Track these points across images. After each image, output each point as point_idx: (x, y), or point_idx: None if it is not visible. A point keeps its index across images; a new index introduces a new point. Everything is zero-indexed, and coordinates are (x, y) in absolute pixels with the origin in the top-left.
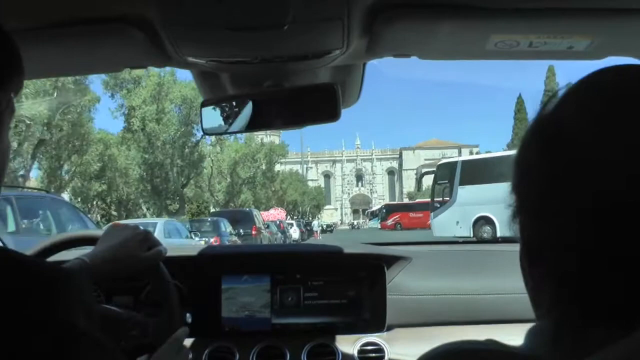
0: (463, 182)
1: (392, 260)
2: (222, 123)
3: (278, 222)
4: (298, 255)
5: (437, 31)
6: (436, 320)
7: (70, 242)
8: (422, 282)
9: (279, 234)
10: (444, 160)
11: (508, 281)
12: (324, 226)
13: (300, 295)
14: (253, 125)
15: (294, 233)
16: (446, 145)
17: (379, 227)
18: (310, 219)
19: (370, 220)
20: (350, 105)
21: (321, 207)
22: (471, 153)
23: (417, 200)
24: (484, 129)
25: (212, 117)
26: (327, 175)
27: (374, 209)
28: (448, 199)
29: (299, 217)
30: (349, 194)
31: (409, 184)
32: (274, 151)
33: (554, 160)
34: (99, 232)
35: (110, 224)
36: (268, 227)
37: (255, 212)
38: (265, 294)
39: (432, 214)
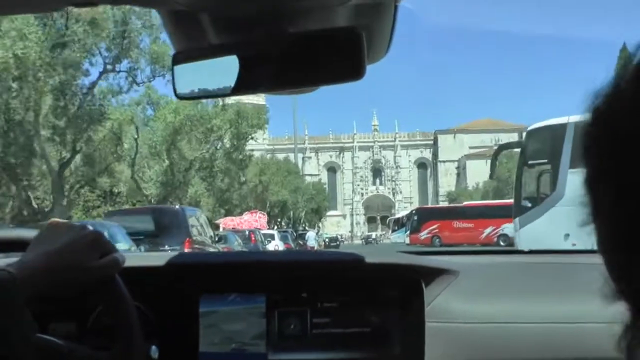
0: (576, 163)
1: (432, 274)
2: (201, 84)
3: (247, 233)
4: (304, 267)
5: None
6: (493, 357)
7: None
8: (474, 305)
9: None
10: (538, 125)
11: (594, 304)
12: (326, 240)
13: (307, 322)
14: (243, 85)
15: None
16: (501, 127)
17: (407, 241)
18: (306, 228)
19: (393, 232)
20: (375, 61)
21: (322, 213)
22: None
23: (466, 203)
24: (560, 102)
25: (188, 75)
26: (331, 169)
27: (399, 215)
28: (547, 194)
29: (289, 225)
30: (362, 194)
31: (448, 181)
32: (246, 118)
33: None
34: (30, 234)
35: (49, 221)
36: (221, 240)
37: (191, 212)
38: (259, 320)
39: (517, 219)
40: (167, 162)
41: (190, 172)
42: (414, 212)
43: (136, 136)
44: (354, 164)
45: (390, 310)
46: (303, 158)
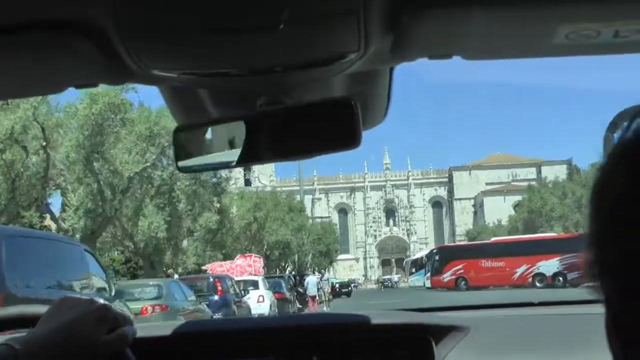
0: None
1: (442, 331)
2: (203, 156)
3: (211, 280)
4: (311, 330)
5: (486, 23)
6: None
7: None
8: None
9: (200, 308)
10: None
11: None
12: (337, 286)
13: None
14: (245, 157)
15: (259, 303)
16: (518, 162)
17: (428, 284)
18: (315, 273)
19: (411, 274)
20: (374, 125)
21: (333, 256)
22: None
23: (495, 239)
24: (568, 139)
25: (189, 148)
26: (342, 210)
27: (417, 256)
28: None
29: (294, 270)
30: (375, 236)
31: (465, 220)
32: None
33: None
34: (39, 310)
35: (61, 297)
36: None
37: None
38: None
39: None
40: (89, 178)
41: (129, 193)
42: (434, 251)
43: (44, 142)
44: (365, 204)
45: None
46: (312, 200)
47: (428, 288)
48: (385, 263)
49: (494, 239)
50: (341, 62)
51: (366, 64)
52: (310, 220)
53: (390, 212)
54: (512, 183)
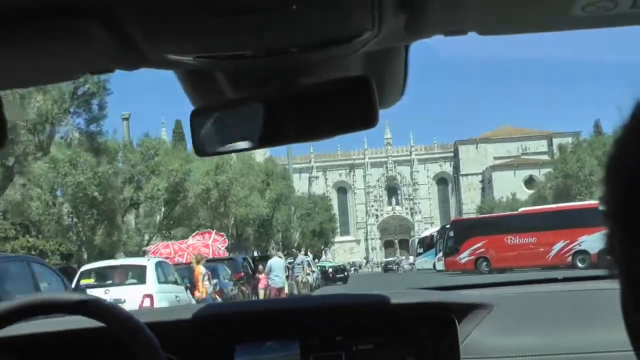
0: None
1: (465, 309)
2: (220, 139)
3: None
4: (333, 311)
5: None
6: None
7: (29, 309)
8: (510, 339)
9: None
10: None
11: None
12: (329, 270)
13: None
14: (261, 139)
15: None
16: (527, 135)
17: (440, 266)
18: (306, 255)
19: (418, 255)
20: (390, 105)
21: (329, 236)
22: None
23: (524, 210)
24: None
25: (206, 131)
26: (341, 189)
27: (426, 234)
28: None
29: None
30: (377, 216)
31: (472, 197)
32: None
33: None
34: (71, 297)
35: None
36: None
37: None
38: None
39: None
40: None
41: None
42: (448, 226)
43: None
44: (366, 182)
45: (425, 348)
46: (309, 178)
47: (439, 271)
48: (387, 245)
49: (522, 209)
50: (356, 40)
51: (381, 42)
52: (297, 192)
53: (392, 190)
54: (522, 157)
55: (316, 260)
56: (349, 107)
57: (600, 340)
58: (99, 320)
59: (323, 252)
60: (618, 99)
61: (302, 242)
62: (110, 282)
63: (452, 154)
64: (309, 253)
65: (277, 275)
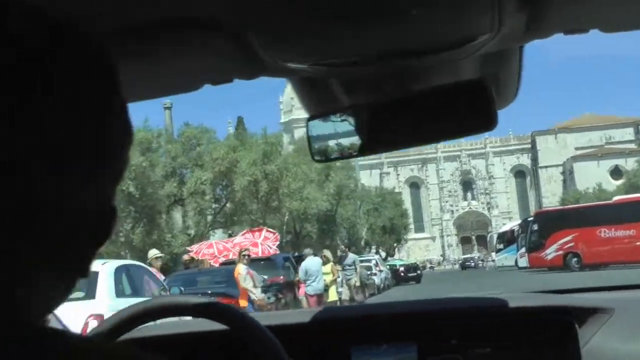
0: None
1: (585, 313)
2: (336, 145)
3: None
4: (450, 315)
5: None
6: None
7: (155, 312)
8: (632, 345)
9: None
10: None
11: None
12: (401, 269)
13: None
14: (375, 144)
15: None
16: (612, 122)
17: (523, 263)
18: (377, 253)
19: (498, 252)
20: (504, 106)
21: (400, 233)
22: None
23: (618, 199)
24: None
25: (322, 137)
26: (414, 184)
27: (505, 228)
28: None
29: (343, 251)
30: (452, 212)
31: (552, 189)
32: None
33: None
34: (193, 300)
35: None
36: None
37: None
38: None
39: None
40: None
41: None
42: (531, 219)
43: None
44: (439, 177)
45: (544, 353)
46: (380, 174)
47: (521, 268)
48: (464, 241)
49: (617, 198)
50: (473, 44)
51: (498, 43)
52: (360, 185)
53: (467, 184)
54: (606, 146)
55: (389, 259)
56: (466, 110)
57: None
58: (222, 322)
59: (396, 250)
60: None
61: (371, 239)
62: None
63: (529, 146)
64: (380, 251)
65: (313, 279)
